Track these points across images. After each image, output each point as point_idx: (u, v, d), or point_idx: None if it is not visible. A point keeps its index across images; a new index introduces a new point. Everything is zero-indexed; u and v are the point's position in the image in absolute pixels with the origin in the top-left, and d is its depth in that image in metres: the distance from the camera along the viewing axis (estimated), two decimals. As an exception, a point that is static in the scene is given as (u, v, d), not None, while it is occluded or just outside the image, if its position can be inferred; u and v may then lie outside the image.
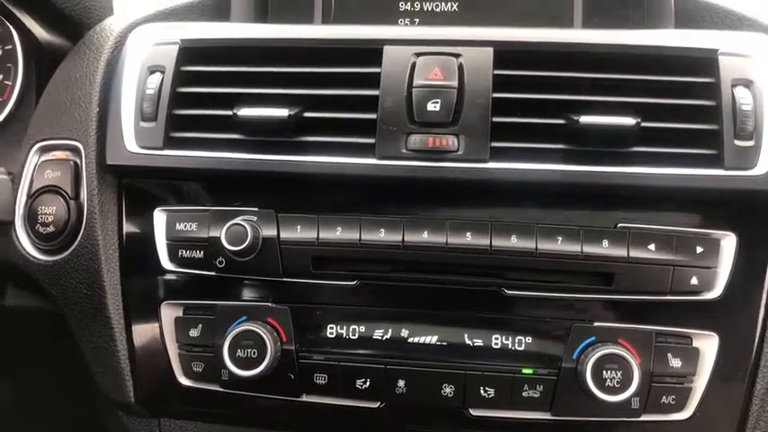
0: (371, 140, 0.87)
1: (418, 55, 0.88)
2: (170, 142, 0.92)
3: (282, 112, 0.87)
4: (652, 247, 0.86)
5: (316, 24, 1.10)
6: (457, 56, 0.88)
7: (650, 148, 0.85)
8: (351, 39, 0.92)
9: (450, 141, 0.85)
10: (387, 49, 0.89)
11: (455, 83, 0.86)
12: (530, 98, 0.87)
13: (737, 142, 0.84)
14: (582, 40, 0.90)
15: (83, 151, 0.97)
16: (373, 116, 0.87)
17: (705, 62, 0.87)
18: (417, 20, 1.10)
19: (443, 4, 1.10)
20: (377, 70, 0.89)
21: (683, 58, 0.87)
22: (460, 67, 0.87)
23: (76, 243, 0.96)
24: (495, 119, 0.86)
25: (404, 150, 0.86)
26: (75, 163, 0.97)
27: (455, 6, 1.10)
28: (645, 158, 0.85)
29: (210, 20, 1.13)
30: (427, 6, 1.10)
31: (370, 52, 0.90)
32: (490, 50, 0.88)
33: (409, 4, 1.10)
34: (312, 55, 0.91)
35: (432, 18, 1.11)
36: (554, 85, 0.88)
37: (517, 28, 0.96)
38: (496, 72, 0.87)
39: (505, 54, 0.88)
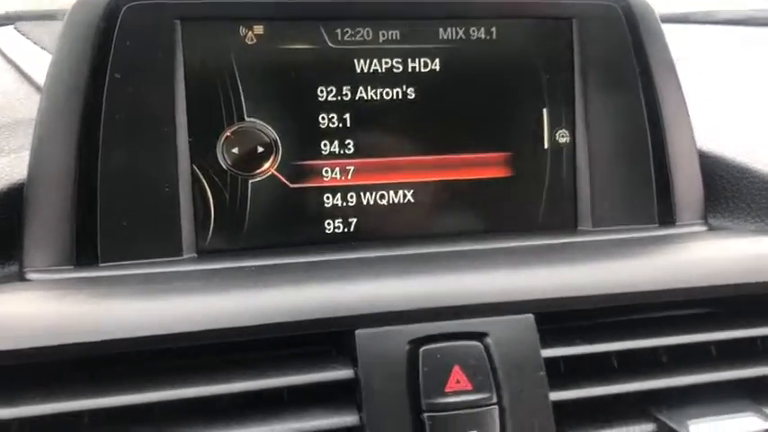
0: None
1: (417, 344, 0.50)
2: None
3: None
4: None
5: (187, 259, 0.64)
6: (482, 336, 0.51)
7: None
8: (290, 320, 0.50)
9: None
10: (360, 337, 0.50)
11: (492, 395, 0.50)
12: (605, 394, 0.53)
13: None
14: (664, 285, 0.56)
15: None
16: None
17: None
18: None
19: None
20: (347, 375, 0.49)
21: None
22: (492, 360, 0.51)
23: None
24: None
25: None
26: None
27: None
28: None
29: None
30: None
31: (331, 341, 0.51)
32: (530, 318, 0.53)
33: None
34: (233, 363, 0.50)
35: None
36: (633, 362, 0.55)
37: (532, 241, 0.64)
38: (546, 354, 0.52)
39: (549, 317, 0.54)
